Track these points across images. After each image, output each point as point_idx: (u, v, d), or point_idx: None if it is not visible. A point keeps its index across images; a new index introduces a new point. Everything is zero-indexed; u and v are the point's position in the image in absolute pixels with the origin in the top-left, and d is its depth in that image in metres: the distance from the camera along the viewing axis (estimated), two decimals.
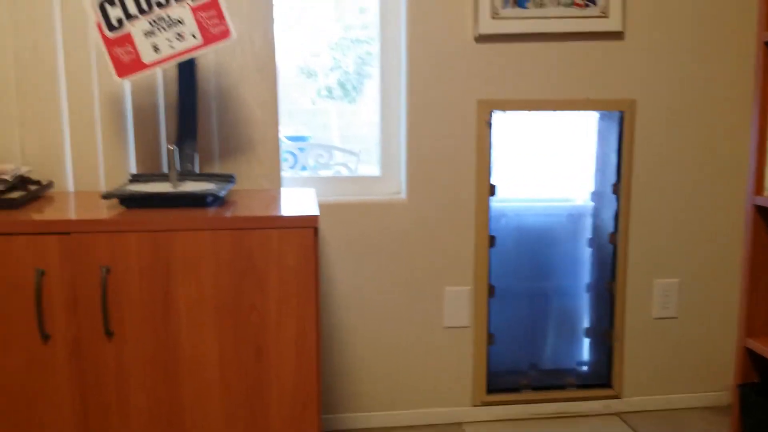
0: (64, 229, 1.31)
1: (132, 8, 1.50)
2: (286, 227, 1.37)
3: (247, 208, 1.46)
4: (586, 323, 2.17)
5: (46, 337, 1.34)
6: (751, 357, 1.86)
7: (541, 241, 2.12)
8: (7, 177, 1.51)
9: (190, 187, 1.51)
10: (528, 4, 1.92)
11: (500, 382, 2.14)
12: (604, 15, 1.96)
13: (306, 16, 2.08)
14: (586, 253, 2.14)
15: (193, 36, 1.52)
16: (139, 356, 1.36)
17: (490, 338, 2.11)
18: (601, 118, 2.09)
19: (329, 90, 2.15)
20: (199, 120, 1.76)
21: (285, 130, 2.16)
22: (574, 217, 2.13)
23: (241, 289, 1.37)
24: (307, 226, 1.38)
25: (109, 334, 1.35)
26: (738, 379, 1.88)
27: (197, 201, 1.45)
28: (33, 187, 1.58)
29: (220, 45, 1.52)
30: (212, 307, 1.36)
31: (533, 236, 2.11)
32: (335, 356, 2.03)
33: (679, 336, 2.18)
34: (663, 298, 2.14)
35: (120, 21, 1.50)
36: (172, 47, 1.52)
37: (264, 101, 1.80)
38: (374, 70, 2.09)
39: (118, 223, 1.32)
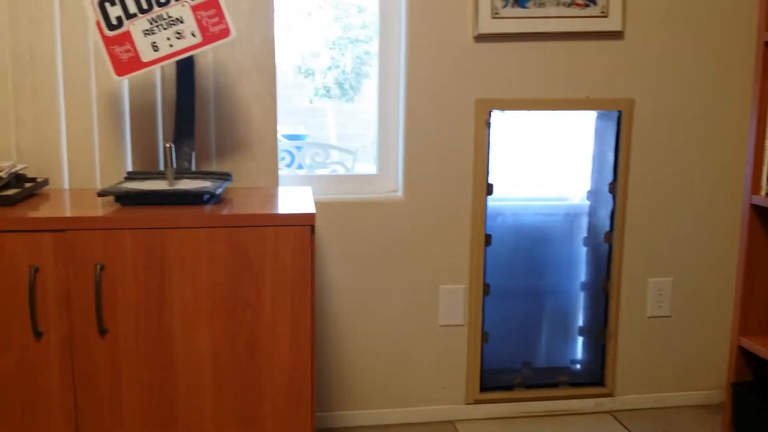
0: (58, 227, 1.32)
1: (132, 7, 1.50)
2: (282, 225, 1.38)
3: (243, 206, 1.46)
4: (580, 322, 2.18)
5: (39, 335, 1.35)
6: (744, 355, 1.87)
7: (537, 240, 2.12)
8: (2, 174, 1.52)
9: (187, 185, 1.52)
10: (528, 4, 1.92)
11: (494, 380, 2.15)
12: (604, 15, 1.96)
13: (305, 16, 2.08)
14: (582, 252, 2.15)
15: (193, 35, 1.52)
16: (133, 354, 1.37)
17: (485, 337, 2.12)
18: (599, 117, 2.09)
19: (327, 89, 2.15)
20: (196, 118, 1.77)
21: (282, 129, 2.16)
22: (571, 216, 2.14)
23: (237, 286, 1.38)
24: (303, 224, 1.38)
25: (102, 331, 1.36)
26: (731, 378, 1.89)
27: (193, 199, 1.46)
28: (28, 185, 1.58)
29: (219, 44, 1.53)
30: (207, 305, 1.37)
31: (529, 235, 2.12)
32: (330, 354, 2.04)
33: (672, 335, 2.18)
34: (657, 297, 2.15)
35: (119, 19, 1.51)
36: (171, 46, 1.52)
37: (262, 100, 1.81)
38: (372, 70, 2.09)
39: (113, 220, 1.33)
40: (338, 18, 2.10)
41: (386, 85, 2.01)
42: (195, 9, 1.51)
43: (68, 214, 1.36)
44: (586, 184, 2.13)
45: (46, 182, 1.66)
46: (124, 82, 1.75)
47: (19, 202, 1.50)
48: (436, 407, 2.10)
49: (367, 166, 2.19)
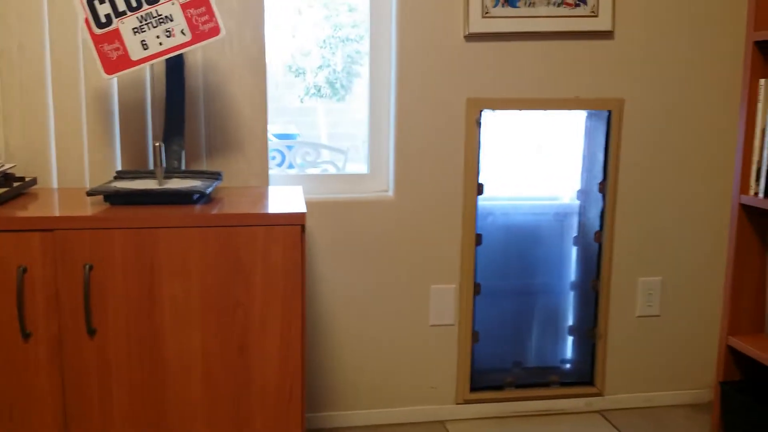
0: (47, 226, 1.31)
1: (121, 5, 1.49)
2: (273, 224, 1.37)
3: (233, 205, 1.46)
4: (570, 321, 2.19)
5: (27, 335, 1.34)
6: (733, 355, 1.89)
7: (527, 240, 2.13)
8: None
9: (176, 184, 1.51)
10: (519, 3, 1.93)
11: (484, 380, 2.16)
12: (593, 14, 1.97)
13: (295, 14, 2.08)
14: (572, 252, 2.16)
15: (183, 33, 1.51)
16: (123, 354, 1.36)
17: (475, 336, 2.12)
18: (589, 117, 2.10)
19: (318, 88, 2.15)
20: (186, 117, 1.76)
21: (273, 128, 2.16)
22: (561, 215, 2.14)
23: (227, 286, 1.37)
24: (294, 223, 1.38)
25: (91, 332, 1.35)
26: (720, 377, 1.91)
27: (183, 198, 1.45)
28: (16, 184, 1.57)
29: (209, 42, 1.52)
30: (197, 305, 1.37)
31: (520, 235, 2.12)
32: (320, 354, 2.04)
33: (661, 334, 2.20)
34: (646, 296, 2.16)
35: (108, 17, 1.50)
36: (160, 44, 1.51)
37: (252, 99, 1.80)
38: (363, 69, 2.09)
39: (102, 220, 1.32)
40: (329, 17, 2.09)
41: (377, 84, 2.01)
42: (185, 7, 1.51)
43: (57, 213, 1.35)
44: (576, 184, 2.14)
45: (34, 181, 1.65)
46: (114, 81, 1.74)
47: (7, 201, 1.49)
48: (426, 407, 2.11)
49: (358, 165, 2.19)
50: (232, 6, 1.76)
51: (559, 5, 1.94)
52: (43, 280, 1.32)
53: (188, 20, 1.51)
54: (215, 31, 1.52)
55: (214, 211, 1.37)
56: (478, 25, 1.93)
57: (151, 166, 1.78)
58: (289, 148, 2.21)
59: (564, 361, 2.21)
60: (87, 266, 1.32)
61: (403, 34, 1.93)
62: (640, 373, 2.20)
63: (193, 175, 1.61)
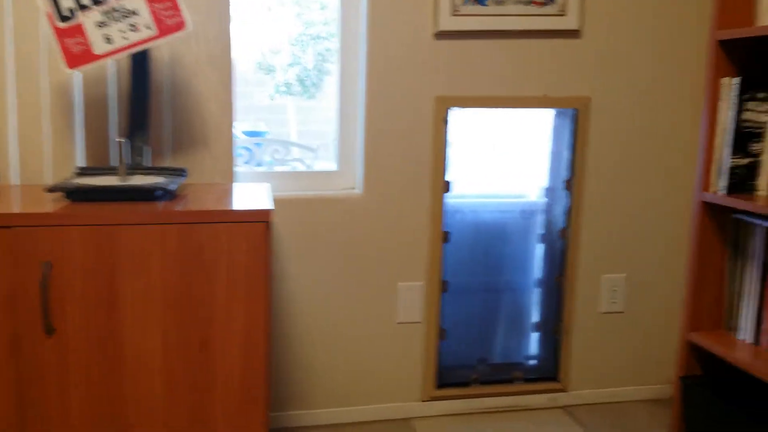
0: (5, 223, 1.29)
1: None
2: (237, 221, 1.37)
3: (197, 202, 1.45)
4: (535, 318, 2.22)
5: None
6: (693, 350, 1.92)
7: (494, 237, 2.15)
8: None
9: (139, 180, 1.50)
10: (488, 2, 1.94)
11: (450, 376, 2.17)
12: (562, 13, 1.99)
13: (266, 12, 2.07)
14: (538, 249, 2.18)
15: (148, 27, 1.50)
16: (82, 352, 1.35)
17: (442, 333, 2.14)
18: (557, 115, 2.13)
19: (288, 85, 2.14)
20: (151, 113, 1.74)
21: (242, 126, 2.15)
22: (527, 213, 2.16)
23: (189, 284, 1.36)
24: (259, 220, 1.38)
25: (49, 330, 1.33)
26: (681, 372, 1.94)
27: (145, 195, 1.44)
28: None
29: (175, 36, 1.51)
30: (158, 303, 1.36)
31: (487, 232, 2.14)
32: (286, 352, 2.04)
33: (625, 330, 2.23)
34: (610, 292, 2.19)
35: (71, 11, 1.47)
36: (125, 38, 1.50)
37: (218, 95, 1.79)
38: (334, 67, 2.09)
39: (61, 216, 1.30)
40: (300, 14, 2.09)
41: (347, 82, 2.01)
42: (150, 1, 1.49)
43: (15, 210, 1.33)
44: (542, 182, 2.16)
45: None
46: (78, 76, 1.72)
47: None
48: (392, 404, 2.11)
49: (328, 163, 2.19)
50: (198, 1, 1.75)
51: (527, 4, 1.96)
52: (1, 277, 1.30)
53: (154, 14, 1.50)
54: (181, 25, 1.51)
55: (177, 208, 1.36)
56: (448, 23, 1.93)
57: (115, 163, 1.77)
58: (258, 145, 2.20)
59: (529, 358, 2.23)
60: (45, 264, 1.30)
61: (373, 33, 1.93)
62: (604, 368, 2.24)
63: (157, 172, 1.60)
